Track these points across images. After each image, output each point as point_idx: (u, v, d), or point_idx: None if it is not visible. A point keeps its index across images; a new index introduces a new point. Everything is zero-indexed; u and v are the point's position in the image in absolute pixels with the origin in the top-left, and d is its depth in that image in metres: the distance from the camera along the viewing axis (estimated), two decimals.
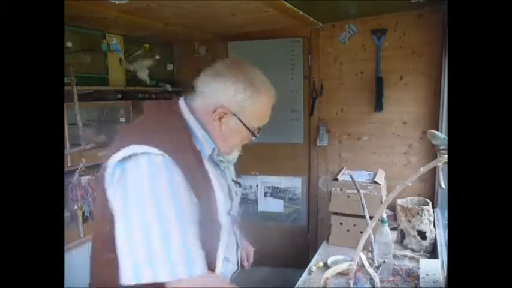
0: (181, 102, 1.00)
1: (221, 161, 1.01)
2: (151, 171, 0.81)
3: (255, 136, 1.00)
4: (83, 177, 1.91)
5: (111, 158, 0.84)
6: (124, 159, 0.82)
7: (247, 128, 0.96)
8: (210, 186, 0.92)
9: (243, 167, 2.31)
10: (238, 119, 0.95)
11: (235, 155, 1.04)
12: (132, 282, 0.79)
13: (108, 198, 0.85)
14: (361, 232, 1.80)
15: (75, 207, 2.03)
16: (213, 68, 0.98)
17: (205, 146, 0.95)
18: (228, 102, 0.93)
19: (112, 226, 0.84)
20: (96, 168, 2.29)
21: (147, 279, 0.79)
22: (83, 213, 1.97)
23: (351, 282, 1.21)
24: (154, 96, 2.83)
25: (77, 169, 1.94)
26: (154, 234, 0.79)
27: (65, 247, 2.08)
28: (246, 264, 1.28)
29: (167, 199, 0.81)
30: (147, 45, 2.63)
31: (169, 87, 2.93)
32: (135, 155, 0.81)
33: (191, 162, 0.88)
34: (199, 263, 0.84)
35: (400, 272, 1.53)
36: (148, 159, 0.81)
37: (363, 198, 1.62)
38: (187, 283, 0.81)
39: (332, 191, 1.92)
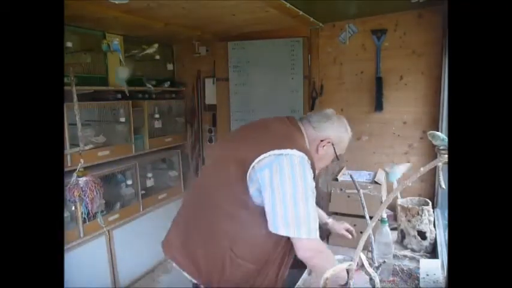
0: (300, 124, 1.34)
1: None
2: (304, 166, 1.16)
3: (337, 160, 1.41)
4: (81, 178, 1.90)
5: (269, 151, 1.14)
6: (290, 155, 1.14)
7: (336, 155, 1.37)
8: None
9: None
10: (334, 148, 1.35)
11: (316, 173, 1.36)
12: (284, 234, 1.13)
13: (254, 177, 1.16)
14: (361, 232, 1.80)
15: (73, 208, 2.03)
16: (325, 112, 1.40)
17: None
18: (333, 137, 1.35)
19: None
20: (95, 168, 2.29)
21: (304, 235, 1.13)
22: (82, 213, 1.96)
23: (351, 282, 1.21)
24: (154, 96, 2.84)
25: (76, 170, 1.93)
26: (301, 205, 1.12)
27: (65, 247, 2.08)
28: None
29: (313, 185, 1.17)
30: (146, 46, 2.64)
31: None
32: (299, 157, 1.16)
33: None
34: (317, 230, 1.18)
35: (400, 272, 1.53)
36: (306, 160, 1.18)
37: (362, 198, 1.62)
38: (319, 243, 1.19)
39: (332, 191, 1.92)
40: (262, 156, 1.14)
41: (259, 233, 1.20)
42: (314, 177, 1.22)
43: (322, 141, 1.33)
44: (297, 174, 1.13)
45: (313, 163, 1.21)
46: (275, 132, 1.27)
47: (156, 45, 2.66)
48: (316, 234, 1.16)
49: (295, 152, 1.15)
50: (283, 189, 1.12)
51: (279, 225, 1.13)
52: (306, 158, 1.18)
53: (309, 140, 1.32)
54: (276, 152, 1.14)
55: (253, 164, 1.15)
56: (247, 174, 1.16)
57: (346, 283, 1.17)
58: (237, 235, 1.21)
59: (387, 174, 1.78)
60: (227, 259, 1.20)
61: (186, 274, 1.29)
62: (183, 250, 1.30)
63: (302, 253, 1.17)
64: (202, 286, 1.26)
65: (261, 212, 1.18)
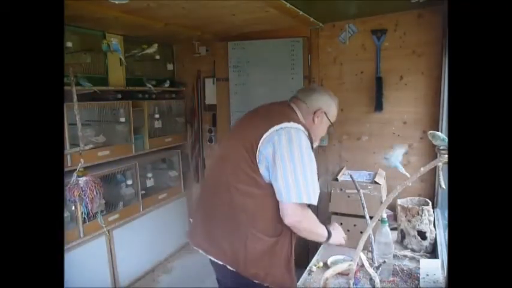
0: (292, 106, 1.48)
1: None
2: (300, 136, 1.30)
3: (332, 126, 1.56)
4: (81, 178, 1.90)
5: (269, 129, 1.28)
6: (292, 128, 1.29)
7: (330, 122, 1.52)
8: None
9: None
10: (327, 116, 1.49)
11: (316, 144, 1.53)
12: (295, 201, 1.25)
13: (272, 141, 1.27)
14: (361, 232, 1.80)
15: (73, 208, 2.03)
16: (310, 88, 1.65)
17: None
18: (324, 106, 1.48)
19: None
20: (95, 168, 2.29)
21: (305, 200, 1.26)
22: (82, 213, 1.96)
23: (351, 282, 1.21)
24: (154, 96, 2.84)
25: (76, 169, 1.93)
26: (298, 172, 1.25)
27: (65, 247, 2.08)
28: None
29: (310, 153, 1.31)
30: (145, 46, 2.64)
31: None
32: (298, 128, 1.31)
33: None
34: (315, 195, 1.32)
35: (400, 272, 1.53)
36: (306, 134, 1.33)
37: (363, 198, 1.62)
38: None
39: (332, 191, 1.92)
40: (264, 136, 1.28)
41: (273, 208, 1.32)
42: (312, 148, 1.36)
43: (315, 112, 1.47)
44: (294, 144, 1.26)
45: (309, 134, 1.37)
46: (273, 113, 1.40)
47: (155, 45, 2.66)
48: (310, 199, 1.28)
49: (292, 124, 1.30)
50: (283, 161, 1.25)
51: (283, 195, 1.26)
52: (302, 128, 1.33)
53: (303, 115, 1.46)
54: (276, 127, 1.28)
55: (259, 145, 1.28)
56: (256, 156, 1.29)
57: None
58: (254, 212, 1.32)
59: (387, 160, 1.76)
60: (249, 235, 1.31)
61: (212, 258, 1.38)
62: (208, 237, 1.39)
63: (293, 220, 1.30)
64: (228, 266, 1.33)
65: (272, 188, 1.30)
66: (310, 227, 1.39)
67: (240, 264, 1.32)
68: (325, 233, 1.44)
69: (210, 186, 1.46)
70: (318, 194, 1.32)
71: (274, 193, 1.30)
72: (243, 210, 1.32)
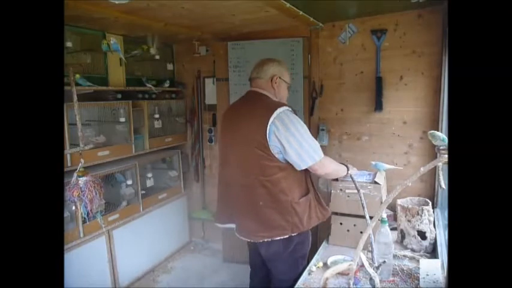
0: (257, 90, 1.73)
1: None
2: (287, 114, 1.57)
3: (290, 86, 1.82)
4: (81, 178, 1.90)
5: (269, 118, 1.54)
6: (280, 113, 1.55)
7: (287, 83, 1.77)
8: None
9: None
10: (282, 79, 1.74)
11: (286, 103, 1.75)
12: (312, 164, 1.59)
13: (273, 131, 1.54)
14: (361, 232, 1.80)
15: (73, 208, 2.03)
16: (258, 64, 1.77)
17: None
18: (275, 72, 1.73)
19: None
20: (95, 168, 2.29)
21: (317, 158, 1.59)
22: (81, 213, 1.96)
23: (351, 282, 1.21)
24: (154, 96, 2.84)
25: (76, 169, 1.93)
26: (303, 142, 1.56)
27: (65, 247, 2.08)
28: None
29: (298, 119, 1.60)
30: (145, 47, 2.64)
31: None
32: (283, 110, 1.57)
33: None
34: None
35: (400, 272, 1.53)
36: (289, 110, 1.60)
37: (363, 198, 1.62)
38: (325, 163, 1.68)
39: (332, 191, 1.92)
40: (267, 131, 1.53)
41: (298, 177, 1.66)
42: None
43: (271, 80, 1.71)
44: (288, 123, 1.54)
45: (292, 108, 1.64)
46: (259, 109, 1.63)
47: (145, 47, 2.66)
48: (319, 154, 1.60)
49: (278, 110, 1.55)
50: (288, 140, 1.54)
51: (300, 164, 1.57)
52: (286, 107, 1.59)
53: (265, 88, 1.72)
54: (270, 120, 1.53)
55: (268, 140, 1.54)
56: (270, 149, 1.55)
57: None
58: (289, 188, 1.61)
59: (374, 165, 1.98)
60: (294, 205, 1.61)
61: (277, 238, 1.61)
62: (266, 225, 1.61)
63: (320, 172, 1.67)
64: (293, 234, 1.62)
65: (290, 163, 1.60)
66: (335, 170, 1.74)
67: (301, 227, 1.62)
68: (345, 168, 1.77)
69: (240, 187, 1.67)
70: (319, 145, 1.63)
71: (293, 166, 1.60)
72: (281, 192, 1.59)
